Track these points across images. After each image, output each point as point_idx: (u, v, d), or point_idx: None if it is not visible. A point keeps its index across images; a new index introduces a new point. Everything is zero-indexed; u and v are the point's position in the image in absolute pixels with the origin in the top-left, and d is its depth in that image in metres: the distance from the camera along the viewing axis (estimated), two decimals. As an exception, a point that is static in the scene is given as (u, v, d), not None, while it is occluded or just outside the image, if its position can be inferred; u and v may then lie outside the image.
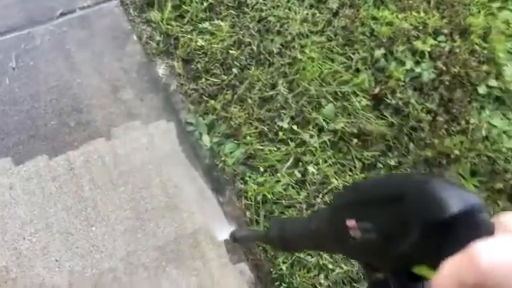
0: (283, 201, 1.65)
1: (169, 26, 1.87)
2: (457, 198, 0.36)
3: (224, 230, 1.40)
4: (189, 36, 1.86)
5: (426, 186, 0.38)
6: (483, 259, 0.29)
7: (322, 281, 1.57)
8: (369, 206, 0.45)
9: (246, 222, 1.65)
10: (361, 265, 0.56)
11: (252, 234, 1.21)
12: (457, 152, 1.80)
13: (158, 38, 1.86)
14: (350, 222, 0.47)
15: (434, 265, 0.34)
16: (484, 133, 1.89)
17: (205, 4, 1.92)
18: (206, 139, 1.74)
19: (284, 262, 1.59)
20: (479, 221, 0.35)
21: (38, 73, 1.74)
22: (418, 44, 1.99)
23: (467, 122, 1.89)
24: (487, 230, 0.34)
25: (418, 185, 0.39)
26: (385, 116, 1.86)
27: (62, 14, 1.85)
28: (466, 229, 0.35)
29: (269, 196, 1.65)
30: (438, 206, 0.36)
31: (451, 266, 0.32)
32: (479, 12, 2.13)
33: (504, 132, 1.91)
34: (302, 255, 1.59)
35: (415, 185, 0.40)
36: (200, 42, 1.85)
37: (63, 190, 1.61)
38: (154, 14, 1.88)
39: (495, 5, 2.18)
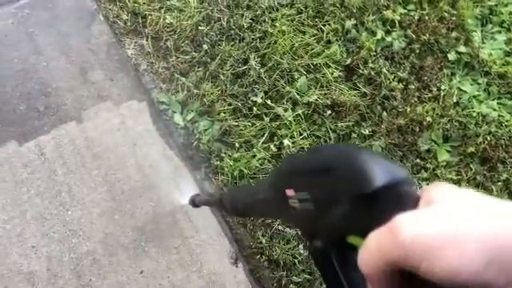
0: (260, 175, 1.65)
1: (135, 4, 1.83)
2: (382, 171, 0.37)
3: (186, 195, 1.42)
4: (157, 13, 1.82)
5: (354, 159, 0.39)
6: (403, 232, 0.29)
7: (301, 251, 1.59)
8: (305, 176, 0.46)
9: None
10: (301, 233, 0.57)
11: (209, 199, 1.23)
12: (429, 119, 1.83)
13: (125, 16, 1.82)
14: (290, 192, 0.48)
15: (365, 236, 0.35)
16: (455, 99, 1.91)
17: (172, -20, 1.88)
18: (179, 117, 1.72)
19: (263, 236, 1.60)
20: (403, 193, 0.36)
21: (2, 58, 1.69)
22: (388, 13, 1.99)
23: (438, 89, 1.92)
24: (411, 203, 0.34)
25: (346, 157, 0.40)
26: (357, 86, 1.86)
27: (24, -4, 1.79)
28: (391, 201, 0.35)
29: (245, 171, 1.65)
30: (364, 180, 0.37)
31: (374, 240, 0.32)
32: (447, -21, 2.14)
33: (474, 97, 1.94)
34: (280, 227, 1.61)
35: (344, 157, 0.40)
36: (168, 19, 1.81)
37: (35, 176, 1.58)
38: (120, -8, 1.84)
39: (463, -29, 2.19)
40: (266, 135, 1.72)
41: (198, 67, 1.78)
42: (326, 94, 1.81)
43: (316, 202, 0.44)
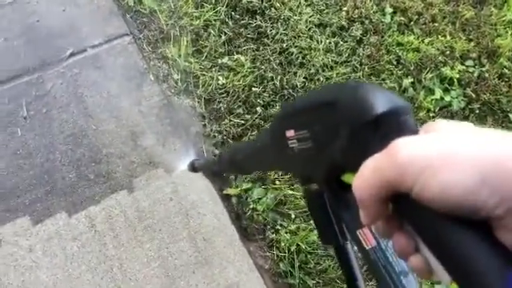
0: (319, 250, 1.57)
1: (186, 63, 1.76)
2: (383, 99, 0.36)
3: (183, 161, 1.39)
4: (209, 74, 1.75)
5: (356, 91, 0.38)
6: (400, 153, 0.30)
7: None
8: (306, 114, 0.46)
9: (279, 274, 1.57)
10: (298, 177, 0.59)
11: (208, 161, 1.24)
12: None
13: (176, 76, 1.75)
14: (289, 133, 0.48)
15: None
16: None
17: (223, 37, 1.82)
18: (233, 184, 1.65)
19: (322, 316, 1.52)
20: (403, 121, 0.36)
21: (51, 121, 1.64)
22: (447, 70, 1.90)
23: (501, 153, 1.81)
24: (410, 131, 0.35)
25: (348, 90, 0.40)
26: (416, 151, 1.77)
27: (73, 55, 1.74)
28: (391, 129, 0.35)
29: (303, 246, 1.57)
30: (364, 107, 0.36)
31: (370, 162, 0.32)
32: (507, 32, 2.04)
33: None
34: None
35: (346, 90, 0.40)
36: (221, 81, 1.74)
37: (86, 250, 1.51)
38: (171, 50, 1.77)
39: (522, 23, 2.10)
40: None
41: (252, 131, 1.70)
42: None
43: (315, 139, 0.44)
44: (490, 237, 0.28)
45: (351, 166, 0.37)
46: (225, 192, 1.64)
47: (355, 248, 0.57)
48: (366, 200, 0.33)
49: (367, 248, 0.47)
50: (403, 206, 0.32)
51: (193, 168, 1.27)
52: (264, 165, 0.71)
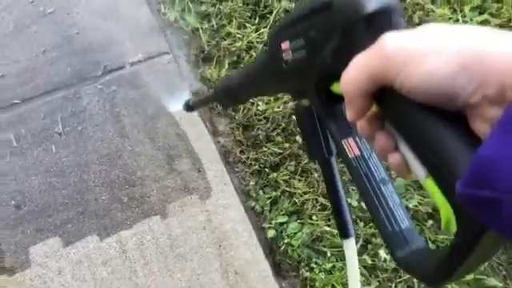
0: (354, 293, 1.51)
1: (226, 86, 1.71)
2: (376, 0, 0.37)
3: (177, 101, 1.38)
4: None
5: None
6: (388, 45, 0.31)
7: None
8: (302, 22, 0.46)
9: None
10: (291, 94, 0.61)
11: (203, 97, 1.24)
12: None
13: (214, 98, 1.70)
14: (285, 44, 0.49)
15: None
16: None
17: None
18: (267, 216, 1.59)
19: None
20: (395, 21, 0.36)
21: (87, 139, 1.60)
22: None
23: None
24: (402, 29, 0.34)
25: None
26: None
27: (111, 71, 1.69)
28: (382, 27, 0.35)
29: (338, 287, 1.51)
30: (357, 5, 0.37)
31: (359, 56, 0.33)
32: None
33: None
34: None
35: None
36: (261, 106, 1.69)
37: (116, 276, 1.47)
38: (211, 72, 1.72)
39: None
40: (359, 244, 1.58)
41: (290, 161, 1.65)
42: (427, 200, 1.65)
43: (309, 46, 0.45)
44: (465, 127, 0.29)
45: (342, 70, 0.37)
46: (262, 219, 1.58)
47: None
48: (352, 94, 0.34)
49: (350, 157, 0.48)
50: (385, 101, 0.33)
51: (188, 107, 1.27)
52: (258, 87, 0.71)
